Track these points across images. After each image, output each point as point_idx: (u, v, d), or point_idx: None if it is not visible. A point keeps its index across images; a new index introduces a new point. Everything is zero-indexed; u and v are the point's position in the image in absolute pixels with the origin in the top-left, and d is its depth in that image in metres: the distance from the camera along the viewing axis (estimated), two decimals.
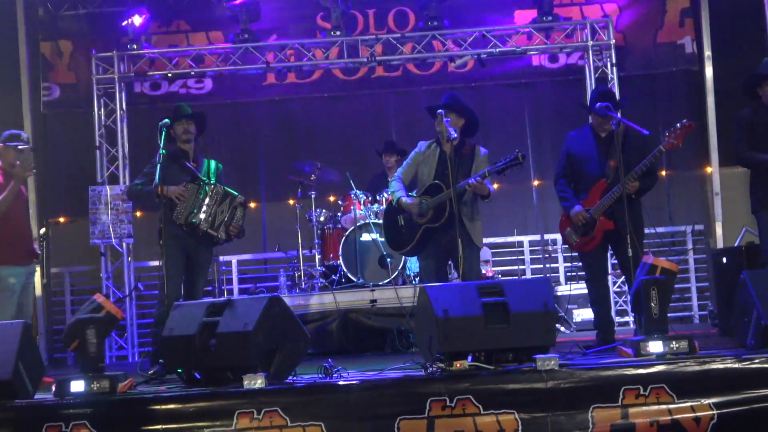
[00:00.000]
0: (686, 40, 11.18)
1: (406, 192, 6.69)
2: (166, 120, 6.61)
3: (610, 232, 6.23)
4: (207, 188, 6.72)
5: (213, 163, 7.07)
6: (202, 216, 6.63)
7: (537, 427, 4.48)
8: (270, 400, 4.56)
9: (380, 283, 8.70)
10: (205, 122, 7.16)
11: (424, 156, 6.72)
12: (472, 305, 4.93)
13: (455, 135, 6.29)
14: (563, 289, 9.86)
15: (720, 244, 10.14)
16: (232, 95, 11.33)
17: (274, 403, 4.53)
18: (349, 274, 8.95)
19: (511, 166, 6.30)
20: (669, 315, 5.29)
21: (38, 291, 10.00)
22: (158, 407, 4.65)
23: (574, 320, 9.36)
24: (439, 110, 6.43)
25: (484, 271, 9.28)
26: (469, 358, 4.86)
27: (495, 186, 6.61)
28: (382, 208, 8.80)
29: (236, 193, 6.82)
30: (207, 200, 6.66)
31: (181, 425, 4.56)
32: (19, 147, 6.88)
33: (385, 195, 8.93)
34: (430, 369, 4.85)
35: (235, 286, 10.81)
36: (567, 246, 6.93)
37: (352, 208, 9.25)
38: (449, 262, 6.79)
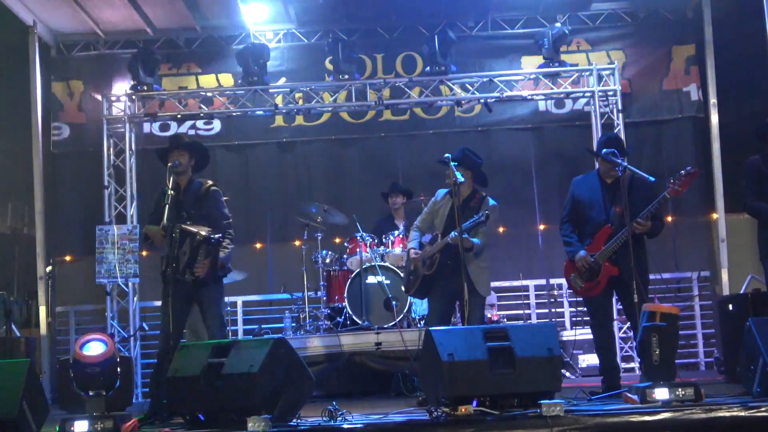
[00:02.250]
0: (692, 87, 11.24)
1: (419, 242, 6.89)
2: (172, 163, 6.61)
3: (614, 278, 6.21)
4: (170, 231, 6.44)
5: (204, 186, 6.82)
6: (165, 262, 6.48)
7: None
8: None
9: (385, 326, 8.67)
10: (205, 155, 7.02)
11: (438, 205, 6.86)
12: (477, 349, 4.91)
13: (462, 180, 6.37)
14: (569, 334, 9.82)
15: (726, 291, 10.08)
16: (241, 137, 11.38)
17: None
18: (354, 317, 8.93)
19: (475, 224, 6.45)
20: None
21: (43, 330, 10.02)
22: None
23: (579, 366, 9.30)
24: (455, 158, 6.60)
25: (489, 315, 9.28)
26: (474, 402, 4.82)
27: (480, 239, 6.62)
28: (387, 250, 8.83)
29: (195, 231, 6.45)
30: (168, 247, 6.43)
31: None
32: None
33: (392, 237, 8.97)
34: (435, 413, 4.84)
35: (240, 327, 10.77)
36: (572, 291, 6.92)
37: (357, 250, 9.26)
38: (456, 306, 6.78)
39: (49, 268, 10.60)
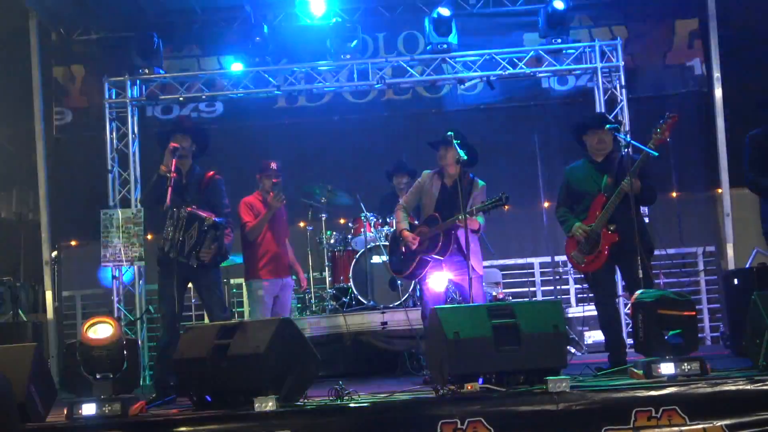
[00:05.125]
0: (695, 62, 11.22)
1: (408, 223, 6.90)
2: (173, 146, 6.65)
3: (616, 247, 6.19)
4: (175, 214, 6.57)
5: (207, 175, 6.96)
6: (170, 243, 6.56)
7: None
8: (281, 422, 4.55)
9: (391, 306, 8.71)
10: (206, 139, 7.11)
11: (426, 186, 6.87)
12: (482, 327, 4.94)
13: (465, 158, 6.40)
14: (574, 311, 9.84)
15: (731, 266, 10.08)
16: (243, 119, 11.39)
17: (286, 426, 4.53)
18: (359, 297, 8.95)
19: (494, 206, 6.42)
20: None
21: (50, 314, 10.06)
22: (170, 430, 4.67)
23: (585, 342, 9.33)
24: (447, 139, 6.63)
25: (495, 293, 9.30)
26: (480, 380, 4.86)
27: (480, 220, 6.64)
28: (392, 230, 8.85)
29: (203, 216, 6.57)
30: (171, 228, 6.54)
31: None
32: (274, 180, 7.85)
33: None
34: (441, 391, 4.86)
35: (246, 309, 10.81)
36: (573, 268, 6.94)
37: (362, 230, 9.29)
38: (450, 285, 6.80)
39: (54, 253, 10.64)
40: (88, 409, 4.93)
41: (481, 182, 6.72)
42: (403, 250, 6.92)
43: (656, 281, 5.83)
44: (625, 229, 6.08)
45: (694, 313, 5.25)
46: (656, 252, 6.62)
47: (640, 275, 5.87)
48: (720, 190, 10.63)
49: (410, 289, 8.52)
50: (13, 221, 10.87)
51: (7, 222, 11.05)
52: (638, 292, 5.36)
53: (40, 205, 10.72)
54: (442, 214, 6.62)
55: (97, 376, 5.20)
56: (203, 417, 4.78)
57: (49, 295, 10.34)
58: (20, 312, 8.47)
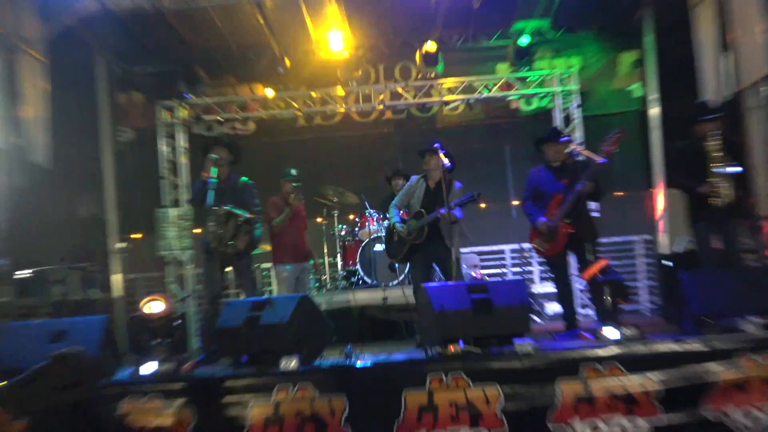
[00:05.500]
0: (636, 86, 11.27)
1: (400, 218, 6.90)
2: (212, 156, 6.73)
3: (571, 236, 6.22)
4: (215, 212, 6.59)
5: (242, 180, 6.96)
6: (211, 236, 6.59)
7: (516, 397, 4.52)
8: (302, 378, 4.62)
9: (390, 284, 8.76)
10: (240, 151, 7.12)
11: (414, 188, 6.90)
12: (463, 301, 5.00)
13: (449, 165, 6.44)
14: (537, 288, 9.88)
15: (664, 250, 10.14)
16: (271, 134, 11.45)
17: (306, 380, 4.59)
18: (365, 277, 8.99)
19: (468, 202, 6.40)
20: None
21: (118, 293, 10.12)
22: (214, 384, 4.72)
23: (546, 312, 9.37)
24: (433, 147, 6.67)
25: (474, 274, 9.35)
26: (461, 343, 4.91)
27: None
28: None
29: (239, 213, 6.65)
30: (213, 223, 6.57)
31: (232, 398, 4.62)
32: (293, 184, 7.88)
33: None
34: (430, 352, 4.93)
35: (274, 288, 10.87)
36: (536, 254, 6.98)
37: (366, 224, 9.34)
38: (434, 267, 6.81)
39: (122, 245, 10.69)
40: (150, 367, 5.02)
41: (458, 184, 6.71)
42: (396, 239, 6.94)
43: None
44: (578, 222, 6.14)
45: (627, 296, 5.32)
46: (604, 239, 6.64)
47: (590, 259, 5.96)
48: (655, 190, 10.64)
49: (406, 271, 8.57)
50: (90, 219, 10.89)
51: (82, 220, 11.07)
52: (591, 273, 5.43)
53: (106, 205, 10.79)
54: (427, 209, 6.65)
55: (155, 342, 5.29)
56: (240, 373, 4.85)
57: (117, 277, 10.40)
58: (94, 291, 8.48)
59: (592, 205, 6.75)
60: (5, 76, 8.19)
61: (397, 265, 8.43)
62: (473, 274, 9.28)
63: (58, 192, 9.21)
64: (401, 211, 6.96)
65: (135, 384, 4.77)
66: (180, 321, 6.61)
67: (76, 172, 10.09)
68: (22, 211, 8.15)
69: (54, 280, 7.26)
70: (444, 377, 4.56)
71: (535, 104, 11.31)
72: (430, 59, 10.45)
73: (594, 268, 5.41)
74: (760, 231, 7.47)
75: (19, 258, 7.72)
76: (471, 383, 4.55)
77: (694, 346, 4.65)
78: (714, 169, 6.08)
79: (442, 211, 6.38)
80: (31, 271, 7.38)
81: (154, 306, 5.40)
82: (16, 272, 7.54)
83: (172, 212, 9.86)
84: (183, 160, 10.86)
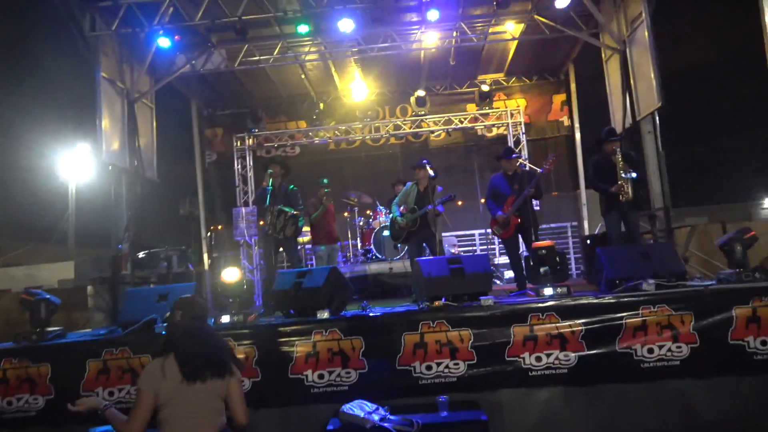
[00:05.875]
0: (564, 118, 11.13)
1: (400, 212, 6.77)
2: (269, 170, 6.67)
3: (519, 225, 6.14)
4: (271, 209, 6.51)
5: (290, 188, 6.84)
6: (269, 226, 6.52)
7: (482, 337, 4.43)
8: (332, 324, 4.56)
9: (394, 259, 8.69)
10: (289, 167, 7.01)
11: (408, 192, 6.76)
12: (444, 269, 4.91)
13: (433, 175, 6.36)
14: (498, 260, 9.77)
15: (586, 233, 10.04)
16: (310, 155, 11.36)
17: (334, 326, 4.53)
18: (377, 254, 8.95)
19: (448, 200, 6.35)
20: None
21: (206, 267, 10.09)
22: (270, 329, 4.66)
23: (504, 277, 9.27)
24: (421, 163, 6.59)
25: (453, 251, 9.24)
26: (443, 299, 4.82)
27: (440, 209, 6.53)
28: (391, 216, 8.85)
29: (287, 210, 6.52)
30: (269, 217, 6.48)
31: (283, 339, 4.56)
32: (326, 191, 7.90)
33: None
34: (421, 306, 4.84)
35: (314, 263, 10.87)
36: (495, 236, 6.88)
37: (378, 217, 9.27)
38: (424, 246, 6.70)
39: (209, 234, 10.69)
40: (225, 318, 4.97)
41: (439, 188, 6.59)
42: (397, 227, 6.82)
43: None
44: (524, 215, 6.04)
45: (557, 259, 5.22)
46: (544, 226, 6.54)
47: (533, 240, 5.85)
48: (579, 191, 10.57)
49: (405, 250, 8.50)
50: (187, 216, 10.89)
51: (183, 216, 11.07)
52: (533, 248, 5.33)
53: (199, 206, 10.77)
54: (418, 206, 6.54)
55: (229, 300, 5.22)
56: (289, 321, 4.79)
57: (205, 256, 10.40)
58: (190, 266, 8.49)
59: (535, 202, 6.63)
60: (128, 118, 8.14)
61: (399, 245, 8.36)
62: (452, 251, 9.17)
63: (164, 198, 9.19)
64: (401, 208, 6.87)
65: (216, 330, 4.70)
66: (247, 285, 6.56)
67: (176, 184, 10.07)
68: (140, 211, 8.12)
69: (161, 258, 7.21)
70: (431, 323, 4.47)
71: (494, 132, 11.17)
72: (420, 101, 10.39)
73: (537, 244, 5.29)
74: (655, 219, 7.36)
75: (136, 243, 7.69)
76: (450, 327, 4.46)
77: (607, 300, 4.53)
78: (621, 175, 5.97)
79: (429, 207, 6.34)
80: (145, 252, 7.33)
81: (230, 275, 5.31)
82: (138, 253, 7.52)
83: (243, 210, 9.83)
84: (250, 174, 10.81)
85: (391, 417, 3.94)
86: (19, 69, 8.80)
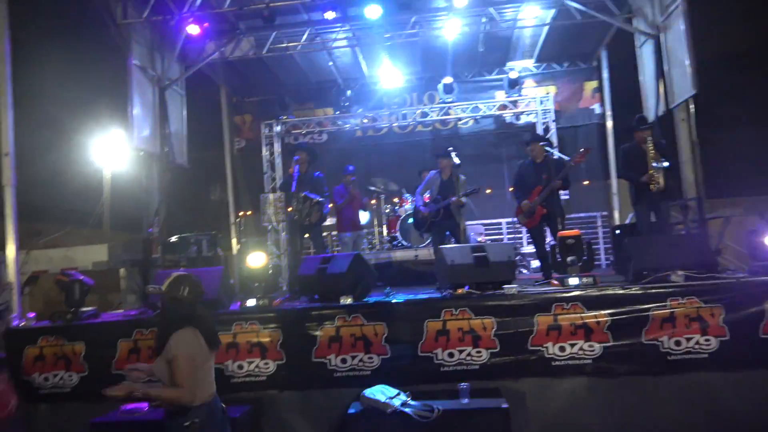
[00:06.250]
0: (596, 106, 10.88)
1: (422, 202, 6.73)
2: (296, 157, 6.71)
3: (545, 215, 6.07)
4: (297, 196, 6.59)
5: (316, 174, 6.87)
6: (295, 212, 6.57)
7: (505, 325, 4.45)
8: (355, 309, 4.61)
9: (420, 246, 8.67)
10: (316, 153, 7.02)
11: (432, 181, 6.72)
12: (468, 258, 4.90)
13: (458, 162, 6.32)
14: (525, 249, 9.67)
15: (617, 223, 9.86)
16: (337, 142, 11.36)
17: (358, 311, 4.59)
18: (402, 241, 8.94)
19: (472, 193, 6.33)
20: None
21: (234, 251, 10.24)
22: (295, 313, 4.73)
23: (531, 267, 9.18)
24: (445, 152, 6.57)
25: (480, 239, 9.18)
26: (466, 287, 4.82)
27: (464, 200, 6.45)
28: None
29: (313, 197, 6.57)
30: (295, 203, 6.55)
31: (307, 323, 4.64)
32: (353, 179, 7.88)
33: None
34: (444, 293, 4.85)
35: (340, 250, 10.93)
36: (520, 225, 6.84)
37: (404, 204, 9.26)
38: (448, 234, 6.65)
39: (237, 219, 10.82)
40: (251, 302, 5.06)
41: (462, 177, 6.53)
42: (419, 217, 6.80)
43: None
44: (550, 205, 5.98)
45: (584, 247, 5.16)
46: (573, 215, 6.42)
47: (559, 228, 5.79)
48: (610, 180, 10.37)
49: (430, 237, 8.49)
50: (217, 201, 11.06)
51: (212, 202, 11.24)
52: (559, 237, 5.28)
53: (228, 192, 10.92)
54: (442, 196, 6.51)
55: (256, 285, 5.29)
56: (313, 306, 4.86)
57: (234, 241, 10.54)
58: (218, 250, 8.64)
59: (563, 192, 6.55)
60: (158, 105, 8.28)
61: (425, 234, 8.35)
62: (479, 239, 9.10)
63: (194, 184, 9.33)
64: (424, 196, 6.83)
65: (242, 313, 4.81)
66: (272, 270, 6.62)
67: (206, 170, 10.23)
68: (170, 197, 8.28)
69: (191, 242, 7.35)
70: (454, 311, 4.50)
71: (523, 119, 10.99)
72: (448, 88, 10.28)
73: (564, 233, 5.23)
74: (687, 209, 7.19)
75: (168, 228, 7.85)
76: (473, 315, 4.47)
77: (634, 291, 4.47)
78: (652, 164, 5.84)
79: (453, 199, 6.32)
80: (175, 236, 7.48)
81: (256, 260, 5.38)
82: (169, 238, 7.68)
83: (271, 196, 9.79)
84: (278, 161, 10.90)
85: (412, 402, 3.97)
86: (54, 58, 8.99)
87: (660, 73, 7.63)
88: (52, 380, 4.73)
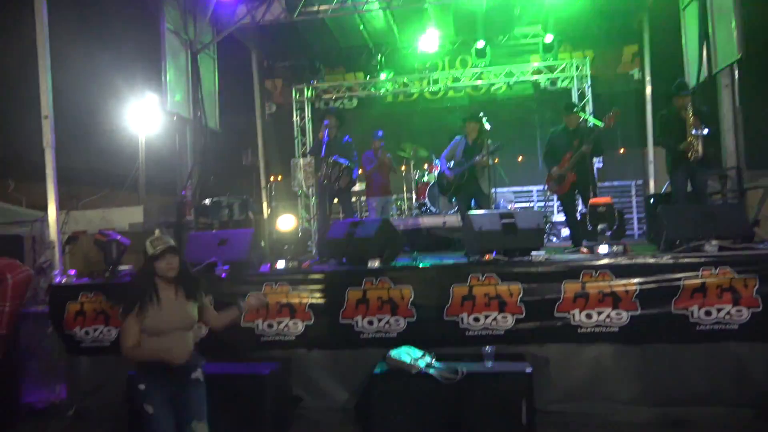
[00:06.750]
0: (635, 71, 10.57)
1: (447, 167, 6.63)
2: (325, 121, 6.71)
3: (574, 182, 5.99)
4: (327, 160, 6.59)
5: (345, 139, 6.85)
6: (324, 177, 6.59)
7: (531, 292, 4.42)
8: (382, 273, 4.63)
9: (448, 212, 8.67)
10: (344, 117, 6.99)
11: (457, 144, 6.61)
12: (496, 224, 4.87)
13: (489, 127, 6.23)
14: (555, 217, 9.57)
15: (652, 191, 9.66)
16: (367, 107, 11.36)
17: (385, 275, 4.61)
18: (431, 207, 8.95)
19: (496, 150, 6.23)
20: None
21: (265, 215, 10.41)
22: (324, 275, 4.78)
23: (561, 235, 9.10)
24: (470, 117, 6.50)
25: (510, 206, 9.12)
26: (494, 253, 4.80)
27: (496, 160, 6.35)
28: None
29: (342, 162, 6.57)
30: (325, 168, 6.56)
31: (335, 285, 4.67)
32: (381, 144, 7.85)
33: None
34: (472, 259, 4.86)
35: (368, 215, 10.98)
36: (551, 192, 6.75)
37: (433, 170, 9.23)
38: (472, 200, 6.57)
39: (267, 185, 10.96)
40: (281, 264, 5.16)
41: (488, 141, 6.35)
42: (444, 181, 6.73)
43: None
44: (581, 172, 5.88)
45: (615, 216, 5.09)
46: (607, 183, 6.29)
47: (590, 196, 5.71)
48: (646, 148, 10.11)
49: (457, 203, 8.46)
50: (248, 167, 11.19)
51: (244, 166, 11.38)
52: (591, 205, 5.21)
53: (259, 157, 11.03)
54: (466, 159, 6.41)
55: (286, 247, 5.38)
56: (341, 270, 4.92)
57: (264, 205, 10.71)
58: (250, 213, 8.76)
59: (596, 159, 6.43)
60: (191, 69, 8.36)
61: (454, 199, 8.32)
62: (509, 207, 9.05)
63: (226, 148, 9.45)
64: (450, 163, 6.77)
65: (272, 275, 4.90)
66: (302, 233, 6.72)
67: (237, 135, 10.33)
68: (203, 161, 8.42)
69: (223, 206, 7.50)
70: (480, 276, 4.48)
71: (559, 85, 10.75)
72: (480, 53, 10.10)
73: (595, 200, 5.16)
74: (726, 179, 6.98)
75: (201, 191, 8.02)
76: (500, 281, 4.46)
77: (666, 260, 4.39)
78: (691, 131, 5.66)
79: (477, 158, 6.22)
80: (208, 200, 7.64)
81: (286, 223, 5.47)
82: (202, 201, 7.85)
83: (301, 161, 9.81)
84: (308, 126, 10.93)
85: (437, 364, 4.04)
86: (89, 22, 9.13)
87: (704, 37, 7.32)
88: (92, 334, 4.95)
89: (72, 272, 5.36)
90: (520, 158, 10.66)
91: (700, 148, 5.63)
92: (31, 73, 5.54)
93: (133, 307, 3.09)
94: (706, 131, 5.64)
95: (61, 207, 5.54)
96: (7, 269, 2.23)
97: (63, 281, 5.19)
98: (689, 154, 5.69)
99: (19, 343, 4.93)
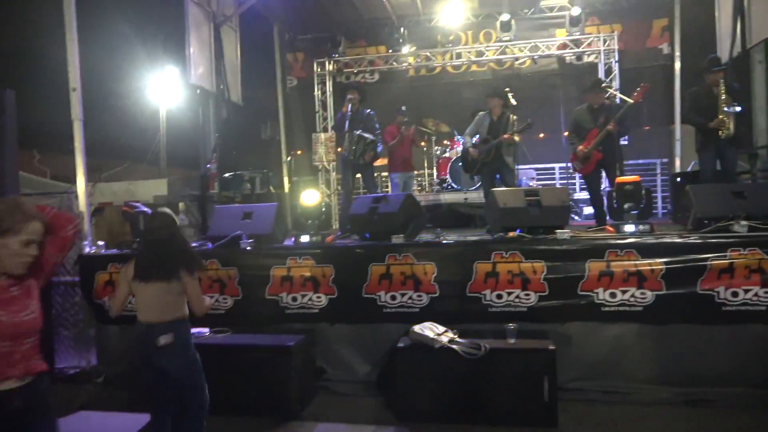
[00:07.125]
0: (664, 46, 10.32)
1: (470, 143, 6.58)
2: (348, 96, 6.68)
3: (600, 160, 5.93)
4: (350, 135, 6.57)
5: (366, 112, 6.82)
6: (348, 152, 6.58)
7: (555, 270, 4.40)
8: (405, 249, 4.65)
9: (469, 189, 8.63)
10: (365, 91, 6.97)
11: (481, 120, 6.53)
12: (520, 201, 4.84)
13: (515, 103, 6.14)
14: (578, 195, 9.49)
15: (678, 170, 9.50)
16: (389, 82, 11.27)
17: (408, 251, 4.63)
18: (453, 184, 8.92)
19: (525, 128, 6.12)
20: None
21: (286, 189, 10.48)
22: (347, 251, 4.83)
23: (584, 213, 9.03)
24: (494, 92, 6.42)
25: (531, 184, 9.05)
26: (518, 231, 4.80)
27: (517, 138, 6.22)
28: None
29: (367, 136, 6.55)
30: (347, 143, 6.53)
31: (358, 260, 4.71)
32: (405, 119, 7.90)
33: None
34: (495, 236, 4.85)
35: (390, 190, 10.99)
36: (575, 171, 6.68)
37: (455, 146, 9.16)
38: (497, 178, 6.53)
39: (288, 159, 11.00)
40: (305, 238, 5.20)
41: (513, 117, 6.29)
42: (469, 159, 6.66)
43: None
44: (607, 150, 5.80)
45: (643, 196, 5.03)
46: (632, 161, 6.22)
47: (616, 176, 5.64)
48: (673, 125, 9.91)
49: (480, 180, 8.41)
50: (268, 141, 11.22)
51: (264, 140, 11.41)
52: (617, 183, 5.15)
53: (280, 131, 11.05)
54: (492, 136, 6.33)
55: (310, 221, 5.42)
56: (365, 245, 4.95)
57: (285, 179, 10.76)
58: (271, 187, 8.82)
59: (622, 138, 6.32)
60: (214, 42, 8.35)
61: (476, 176, 8.28)
62: (530, 184, 8.98)
63: (247, 121, 9.48)
64: (474, 139, 6.72)
65: (296, 249, 4.94)
66: (325, 208, 6.76)
67: (258, 108, 10.34)
68: (225, 133, 8.45)
69: (245, 180, 7.56)
70: (504, 253, 4.48)
71: (585, 60, 10.53)
72: (505, 26, 9.91)
73: (622, 179, 5.10)
74: (756, 158, 6.84)
75: (222, 165, 8.08)
76: (524, 258, 4.45)
77: (693, 240, 4.34)
78: (723, 109, 5.54)
79: (505, 136, 6.16)
80: (231, 173, 7.70)
81: (310, 198, 5.50)
82: (224, 174, 7.92)
83: (323, 135, 9.96)
84: (329, 100, 10.90)
85: (460, 340, 4.08)
86: None
87: (739, 9, 7.10)
88: None
89: (101, 243, 5.46)
90: (541, 135, 10.53)
91: (731, 126, 5.52)
92: (54, 45, 5.58)
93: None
94: (738, 109, 5.51)
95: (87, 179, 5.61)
96: (67, 222, 2.33)
97: (92, 252, 5.30)
98: (721, 132, 5.57)
99: (52, 309, 5.08)
